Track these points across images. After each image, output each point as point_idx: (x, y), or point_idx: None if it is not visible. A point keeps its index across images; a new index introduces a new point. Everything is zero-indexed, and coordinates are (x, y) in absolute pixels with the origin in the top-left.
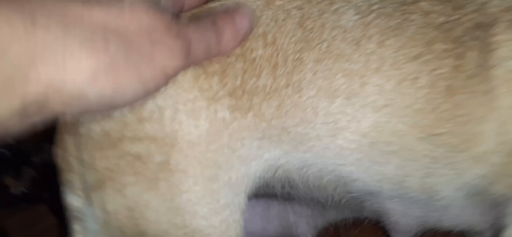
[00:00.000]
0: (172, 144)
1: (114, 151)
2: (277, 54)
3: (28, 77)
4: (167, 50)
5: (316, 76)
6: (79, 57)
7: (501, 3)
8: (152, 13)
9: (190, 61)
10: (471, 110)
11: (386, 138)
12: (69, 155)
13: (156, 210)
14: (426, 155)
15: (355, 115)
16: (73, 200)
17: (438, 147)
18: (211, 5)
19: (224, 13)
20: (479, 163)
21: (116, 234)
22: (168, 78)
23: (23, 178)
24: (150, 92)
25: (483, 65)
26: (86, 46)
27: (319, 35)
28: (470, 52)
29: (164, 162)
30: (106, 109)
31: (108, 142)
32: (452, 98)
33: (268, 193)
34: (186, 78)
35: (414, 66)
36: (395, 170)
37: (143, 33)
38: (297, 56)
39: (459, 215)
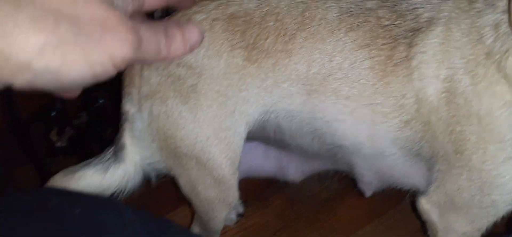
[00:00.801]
0: (201, 73)
1: (165, 70)
2: (281, 28)
3: None
4: (117, 39)
5: (302, 50)
6: (27, 33)
7: (428, 15)
8: (105, 7)
9: (139, 55)
10: (397, 88)
11: (342, 102)
12: (135, 73)
13: (185, 118)
14: (369, 118)
15: (322, 82)
16: (129, 106)
17: (376, 113)
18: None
19: (174, 24)
20: (406, 128)
21: (154, 133)
22: (116, 66)
23: (64, 135)
24: (98, 76)
25: (406, 57)
26: (36, 24)
27: (310, 22)
28: (399, 47)
29: (194, 85)
30: (54, 84)
31: (162, 64)
32: (385, 78)
33: (265, 137)
34: (217, 29)
35: (363, 52)
36: (351, 127)
37: (95, 21)
38: (293, 32)
39: (406, 174)
